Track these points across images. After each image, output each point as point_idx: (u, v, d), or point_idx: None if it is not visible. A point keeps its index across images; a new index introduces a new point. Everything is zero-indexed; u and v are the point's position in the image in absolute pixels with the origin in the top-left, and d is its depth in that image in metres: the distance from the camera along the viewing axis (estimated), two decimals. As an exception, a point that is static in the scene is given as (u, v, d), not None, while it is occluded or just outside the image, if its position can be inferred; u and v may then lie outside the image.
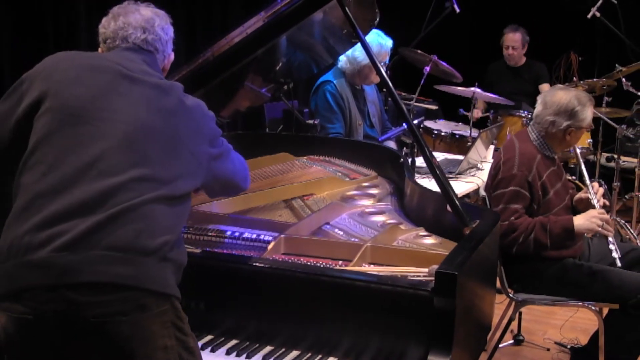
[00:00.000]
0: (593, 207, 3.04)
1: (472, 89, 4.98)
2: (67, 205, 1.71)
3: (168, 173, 1.83)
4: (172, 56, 2.13)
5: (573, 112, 3.04)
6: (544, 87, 5.70)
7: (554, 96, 3.09)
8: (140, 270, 1.71)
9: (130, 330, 1.70)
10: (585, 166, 3.28)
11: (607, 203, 3.20)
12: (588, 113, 3.08)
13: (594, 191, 3.09)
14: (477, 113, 5.68)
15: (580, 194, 3.20)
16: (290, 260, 2.23)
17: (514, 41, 5.77)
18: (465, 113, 5.08)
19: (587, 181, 3.15)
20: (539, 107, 3.13)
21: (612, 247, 2.96)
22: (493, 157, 4.36)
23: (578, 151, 3.36)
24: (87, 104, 1.81)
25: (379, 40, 3.94)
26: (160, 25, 2.03)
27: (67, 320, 1.67)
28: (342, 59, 3.98)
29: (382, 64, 3.98)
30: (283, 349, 2.06)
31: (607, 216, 2.99)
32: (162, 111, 1.87)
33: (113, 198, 1.73)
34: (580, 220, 2.96)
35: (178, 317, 1.80)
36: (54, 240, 1.68)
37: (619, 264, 2.94)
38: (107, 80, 1.86)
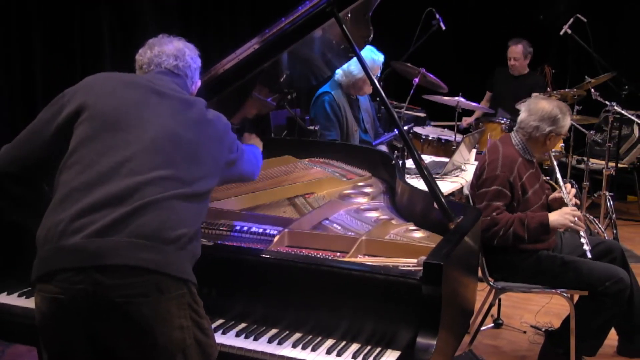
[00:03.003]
0: (566, 205, 3.05)
1: (456, 98, 4.99)
2: (100, 198, 1.74)
3: (190, 174, 1.86)
4: (199, 83, 2.20)
5: (555, 119, 3.04)
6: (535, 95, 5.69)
7: (538, 104, 3.09)
8: (161, 256, 1.73)
9: (151, 310, 1.71)
10: (558, 168, 3.28)
11: (578, 202, 3.20)
12: (567, 121, 3.09)
13: (567, 191, 3.10)
14: (465, 121, 5.76)
15: (555, 194, 3.20)
16: (293, 252, 2.23)
17: (515, 53, 5.81)
18: (459, 123, 5.10)
19: (561, 182, 3.15)
20: (523, 114, 3.12)
21: (583, 240, 2.96)
22: (476, 160, 4.38)
23: (552, 154, 3.37)
24: (121, 113, 1.86)
25: (372, 56, 3.95)
26: (190, 55, 2.12)
27: (94, 300, 1.68)
28: (339, 72, 3.99)
29: (374, 77, 3.97)
30: (287, 332, 2.06)
31: (579, 213, 2.99)
32: (186, 121, 1.91)
33: (140, 192, 1.75)
34: (555, 216, 2.97)
35: (194, 300, 1.81)
36: (86, 228, 1.70)
37: (589, 255, 2.94)
38: (139, 94, 1.91)
